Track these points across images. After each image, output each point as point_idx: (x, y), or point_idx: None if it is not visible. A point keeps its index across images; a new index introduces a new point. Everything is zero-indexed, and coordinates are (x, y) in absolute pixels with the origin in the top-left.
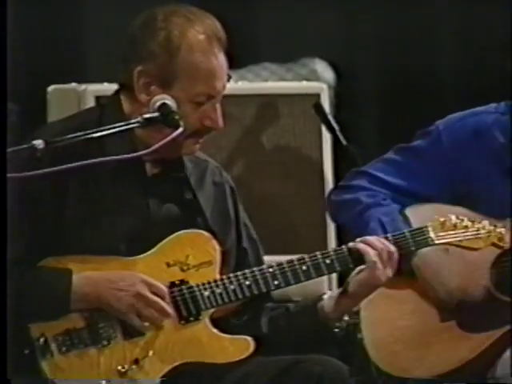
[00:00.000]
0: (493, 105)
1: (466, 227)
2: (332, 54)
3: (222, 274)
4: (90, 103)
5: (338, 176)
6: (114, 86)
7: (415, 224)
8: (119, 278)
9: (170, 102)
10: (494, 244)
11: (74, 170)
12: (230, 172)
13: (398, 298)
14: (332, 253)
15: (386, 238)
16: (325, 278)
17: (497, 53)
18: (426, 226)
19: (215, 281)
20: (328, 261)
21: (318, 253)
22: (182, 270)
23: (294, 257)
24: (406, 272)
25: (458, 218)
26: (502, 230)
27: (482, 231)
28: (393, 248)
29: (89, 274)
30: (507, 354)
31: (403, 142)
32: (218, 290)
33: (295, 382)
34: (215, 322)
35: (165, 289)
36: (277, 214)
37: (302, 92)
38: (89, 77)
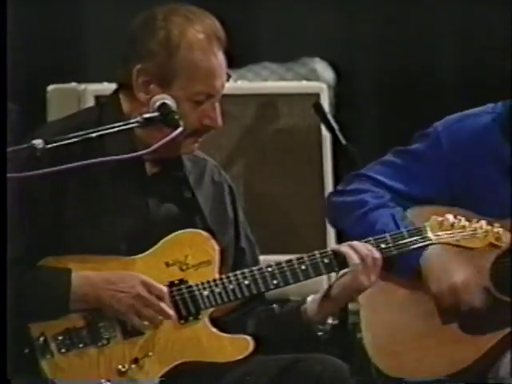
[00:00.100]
0: (490, 105)
1: (464, 227)
2: (332, 53)
3: (221, 273)
4: (90, 103)
5: (337, 176)
6: (114, 86)
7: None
8: (119, 279)
9: (169, 101)
10: (491, 244)
11: (73, 170)
12: (230, 171)
13: (399, 300)
14: (330, 252)
15: (370, 243)
16: (324, 277)
17: (497, 53)
18: (424, 226)
19: (214, 280)
20: (327, 260)
21: (316, 252)
22: (181, 270)
23: (293, 256)
24: (406, 273)
25: (455, 217)
26: (500, 229)
27: (480, 231)
28: (377, 254)
29: (88, 275)
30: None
31: (403, 141)
32: (217, 290)
33: (295, 380)
34: (214, 322)
35: (165, 289)
36: (276, 214)
37: (301, 91)
38: (88, 76)
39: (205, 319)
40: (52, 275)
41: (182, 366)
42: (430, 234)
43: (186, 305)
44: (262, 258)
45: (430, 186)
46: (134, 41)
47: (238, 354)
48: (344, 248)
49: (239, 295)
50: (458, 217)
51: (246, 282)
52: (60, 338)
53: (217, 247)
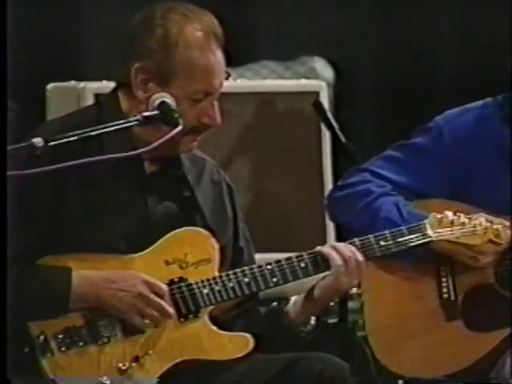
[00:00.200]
0: (489, 99)
1: (463, 224)
2: (331, 52)
3: (220, 271)
4: (89, 101)
5: (337, 174)
6: (113, 84)
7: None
8: (120, 278)
9: (169, 99)
10: (490, 240)
11: (73, 168)
12: (229, 170)
13: (404, 297)
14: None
15: (353, 244)
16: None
17: (497, 53)
18: (424, 223)
19: (214, 278)
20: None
21: (316, 249)
22: (181, 268)
23: (293, 254)
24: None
25: (455, 214)
26: (499, 226)
27: (479, 228)
28: (361, 257)
29: (88, 274)
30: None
31: (402, 140)
32: (216, 288)
33: (296, 379)
34: (214, 320)
35: (165, 288)
36: (276, 212)
37: (301, 90)
38: (88, 75)
39: (205, 317)
40: (52, 274)
41: (183, 364)
42: (429, 231)
43: (186, 303)
44: (261, 256)
45: (432, 180)
46: (132, 39)
47: (237, 352)
48: (326, 249)
49: (239, 293)
50: (458, 214)
51: (246, 280)
52: (60, 336)
53: (216, 245)
